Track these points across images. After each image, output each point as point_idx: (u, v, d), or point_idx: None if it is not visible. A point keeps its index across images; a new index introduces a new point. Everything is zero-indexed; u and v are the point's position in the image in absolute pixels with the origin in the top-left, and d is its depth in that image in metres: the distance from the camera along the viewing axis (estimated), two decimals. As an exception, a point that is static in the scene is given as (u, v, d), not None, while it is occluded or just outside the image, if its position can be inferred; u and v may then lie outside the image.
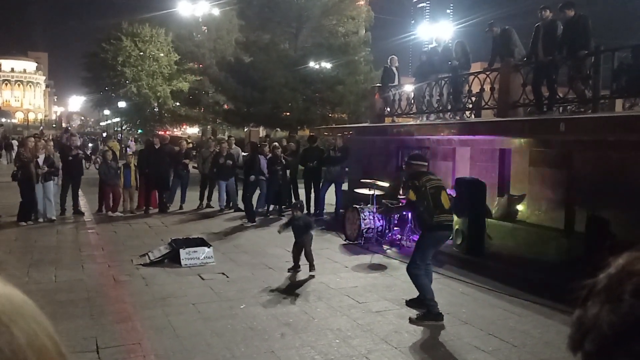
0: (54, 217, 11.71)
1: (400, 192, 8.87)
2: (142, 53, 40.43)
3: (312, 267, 7.76)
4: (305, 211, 8.61)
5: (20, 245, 9.55)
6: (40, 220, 11.54)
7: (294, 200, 14.25)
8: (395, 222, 10.07)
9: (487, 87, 10.91)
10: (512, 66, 10.14)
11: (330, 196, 13.13)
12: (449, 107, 12.34)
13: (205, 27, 38.61)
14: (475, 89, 11.72)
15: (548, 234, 8.77)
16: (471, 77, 11.75)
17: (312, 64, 25.03)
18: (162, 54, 40.61)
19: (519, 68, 10.10)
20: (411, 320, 5.85)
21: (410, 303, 6.25)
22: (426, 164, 6.61)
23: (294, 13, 25.90)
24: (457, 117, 11.95)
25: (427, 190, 6.00)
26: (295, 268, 7.83)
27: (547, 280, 7.51)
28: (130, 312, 6.02)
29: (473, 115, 12.09)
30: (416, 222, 7.13)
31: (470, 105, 12.07)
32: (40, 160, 11.45)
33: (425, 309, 5.94)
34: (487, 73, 10.95)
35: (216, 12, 34.85)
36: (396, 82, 14.44)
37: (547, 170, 9.45)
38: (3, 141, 33.25)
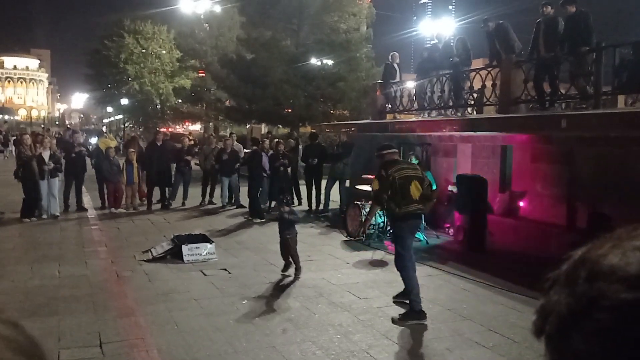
0: (57, 214, 11.76)
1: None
2: (144, 50, 40.48)
3: (298, 271, 7.30)
4: (292, 205, 8.10)
5: (24, 242, 9.61)
6: (44, 216, 11.59)
7: (295, 198, 14.33)
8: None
9: (488, 84, 10.91)
10: (514, 62, 10.14)
11: (334, 193, 13.16)
12: (451, 104, 12.36)
13: (207, 24, 38.60)
14: (477, 85, 11.73)
15: (550, 230, 8.79)
16: (472, 74, 11.76)
17: (313, 60, 25.02)
18: (164, 51, 40.66)
19: (520, 64, 10.10)
20: (394, 321, 5.68)
21: (397, 297, 6.26)
22: (397, 151, 6.47)
23: (295, 9, 25.88)
24: (459, 114, 11.96)
25: (396, 180, 5.88)
26: (287, 267, 7.50)
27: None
28: (133, 308, 6.07)
29: (475, 112, 12.11)
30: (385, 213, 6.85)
31: (472, 102, 12.09)
32: (46, 157, 11.50)
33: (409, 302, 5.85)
34: (489, 69, 10.95)
35: (218, 9, 34.86)
36: (397, 79, 14.44)
37: (548, 167, 9.47)
38: (5, 138, 33.41)
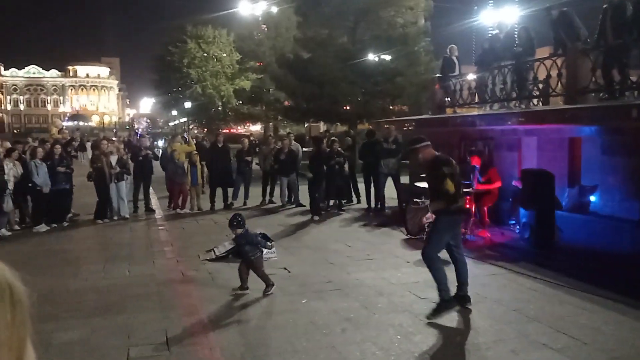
0: (127, 215, 12.29)
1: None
2: (205, 54, 41.65)
3: (269, 286, 6.59)
4: (245, 228, 6.66)
5: (97, 242, 10.10)
6: (115, 218, 12.14)
7: (353, 196, 14.30)
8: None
9: (553, 73, 10.46)
10: (580, 50, 9.67)
11: (389, 190, 13.03)
12: (514, 96, 11.94)
13: (264, 26, 39.20)
14: (542, 75, 11.27)
15: (622, 225, 8.33)
16: (536, 64, 11.31)
17: (370, 56, 24.84)
18: (224, 54, 41.67)
19: (587, 52, 9.62)
20: (428, 318, 5.67)
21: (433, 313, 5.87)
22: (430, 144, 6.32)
23: (351, 7, 25.76)
24: (522, 106, 11.54)
25: (456, 176, 5.87)
26: (243, 288, 6.66)
27: (621, 274, 7.16)
28: (197, 306, 6.25)
29: (540, 103, 11.63)
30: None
31: (537, 93, 11.62)
32: (113, 161, 12.05)
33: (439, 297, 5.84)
34: (553, 58, 10.49)
35: (275, 10, 35.29)
36: (457, 72, 14.10)
37: (620, 159, 8.97)
38: (81, 143, 35.20)
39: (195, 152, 13.87)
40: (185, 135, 21.98)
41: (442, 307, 5.79)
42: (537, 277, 7.19)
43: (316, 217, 11.94)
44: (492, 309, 6.01)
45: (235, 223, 6.56)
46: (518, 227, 9.93)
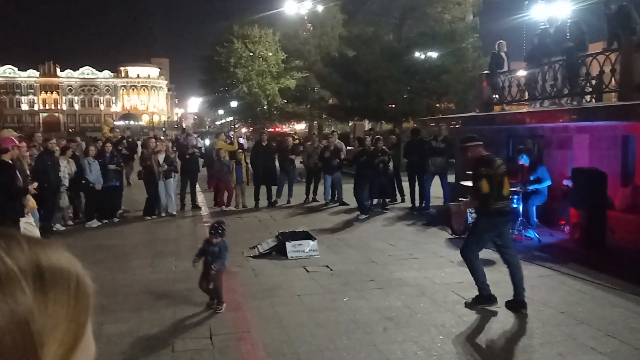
0: (174, 212, 12.59)
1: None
2: (252, 54, 42.10)
3: (220, 305, 5.96)
4: (223, 239, 6.22)
5: (145, 238, 10.39)
6: (163, 214, 12.46)
7: (398, 195, 14.18)
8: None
9: (607, 69, 10.07)
10: (635, 45, 9.27)
11: (435, 189, 12.85)
12: (565, 92, 11.56)
13: (310, 25, 39.31)
14: (594, 71, 10.87)
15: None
16: (589, 59, 10.92)
17: (416, 54, 24.55)
18: (270, 54, 42.01)
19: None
20: (466, 305, 6.00)
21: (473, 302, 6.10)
22: (482, 143, 6.35)
23: (397, 3, 25.57)
24: (574, 102, 11.17)
25: (497, 177, 5.91)
26: (211, 303, 6.07)
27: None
28: (240, 302, 6.34)
29: (594, 100, 11.22)
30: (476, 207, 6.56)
31: (590, 89, 11.22)
32: (160, 159, 12.37)
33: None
34: (607, 54, 10.10)
35: (320, 8, 35.36)
36: (505, 68, 13.78)
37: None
38: (132, 143, 36.26)
39: (241, 150, 14.07)
40: (231, 134, 22.30)
41: (480, 300, 6.00)
42: (587, 279, 6.95)
43: (362, 216, 11.89)
44: (539, 310, 5.86)
45: (220, 231, 6.13)
46: (568, 227, 9.62)
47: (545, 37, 12.36)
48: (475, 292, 6.52)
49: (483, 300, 5.99)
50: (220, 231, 6.16)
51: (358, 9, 26.89)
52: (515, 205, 9.60)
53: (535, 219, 9.85)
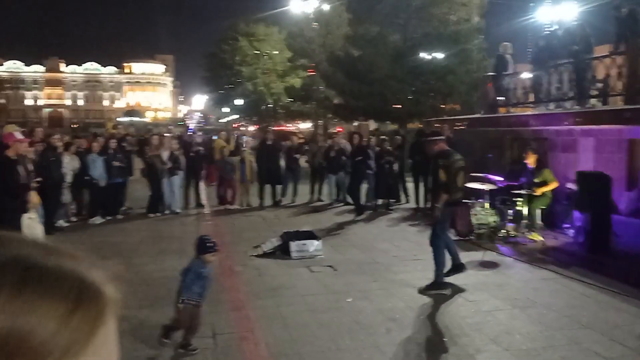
0: (178, 210, 12.60)
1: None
2: (257, 52, 42.14)
3: (186, 347, 4.84)
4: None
5: (148, 235, 10.40)
6: (167, 212, 12.46)
7: (402, 195, 14.15)
8: (510, 217, 9.62)
9: (613, 72, 10.04)
10: (643, 48, 9.25)
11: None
12: (571, 95, 11.53)
13: (315, 23, 39.30)
14: (601, 74, 10.84)
15: (686, 232, 7.92)
16: (595, 62, 10.89)
17: (421, 54, 24.52)
18: (275, 52, 42.03)
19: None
20: (419, 291, 6.58)
21: (447, 274, 6.85)
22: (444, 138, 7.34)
23: (403, 4, 25.52)
24: (578, 106, 11.14)
25: (452, 169, 6.63)
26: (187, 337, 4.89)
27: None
28: (243, 301, 6.35)
29: (600, 103, 11.19)
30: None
31: (596, 92, 11.19)
32: (165, 156, 12.37)
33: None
34: (613, 57, 10.07)
35: (326, 7, 35.34)
36: (510, 70, 13.75)
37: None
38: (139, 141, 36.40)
39: (245, 149, 14.07)
40: (236, 133, 22.30)
41: (434, 286, 6.65)
42: (590, 282, 6.93)
43: (359, 217, 11.88)
44: (542, 314, 5.85)
45: (211, 249, 4.88)
46: (572, 230, 9.59)
47: (553, 39, 12.33)
48: (480, 293, 6.53)
49: (435, 287, 6.62)
50: (212, 249, 4.87)
51: (363, 9, 26.85)
52: (519, 208, 9.59)
53: (539, 222, 9.82)
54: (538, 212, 9.83)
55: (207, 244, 4.86)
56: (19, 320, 0.46)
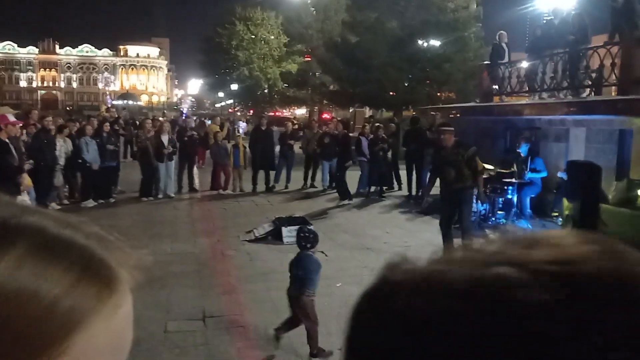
0: (172, 194, 12.61)
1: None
2: (253, 36, 41.89)
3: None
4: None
5: (141, 219, 10.43)
6: (160, 196, 12.47)
7: (395, 183, 14.20)
8: (500, 205, 9.70)
9: (607, 63, 10.08)
10: (636, 39, 9.27)
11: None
12: (565, 85, 11.57)
13: (313, 8, 39.07)
14: (595, 64, 10.87)
15: (673, 223, 8.01)
16: (589, 52, 10.92)
17: (419, 42, 24.47)
18: (272, 37, 41.80)
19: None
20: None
21: None
22: None
23: (401, -10, 25.42)
24: (571, 96, 11.18)
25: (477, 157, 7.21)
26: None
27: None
28: (234, 285, 6.41)
29: (593, 94, 11.23)
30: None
31: (589, 83, 11.23)
32: (165, 141, 12.35)
33: None
34: (608, 47, 10.10)
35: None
36: (506, 59, 13.76)
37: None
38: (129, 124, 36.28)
39: (239, 134, 14.08)
40: (230, 118, 22.25)
41: None
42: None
43: (344, 202, 11.96)
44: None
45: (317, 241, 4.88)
46: (561, 219, 9.69)
47: (550, 28, 12.34)
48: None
49: None
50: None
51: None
52: (509, 196, 9.67)
53: (528, 210, 9.91)
54: (528, 200, 9.92)
55: (316, 236, 4.94)
56: (26, 281, 0.48)
